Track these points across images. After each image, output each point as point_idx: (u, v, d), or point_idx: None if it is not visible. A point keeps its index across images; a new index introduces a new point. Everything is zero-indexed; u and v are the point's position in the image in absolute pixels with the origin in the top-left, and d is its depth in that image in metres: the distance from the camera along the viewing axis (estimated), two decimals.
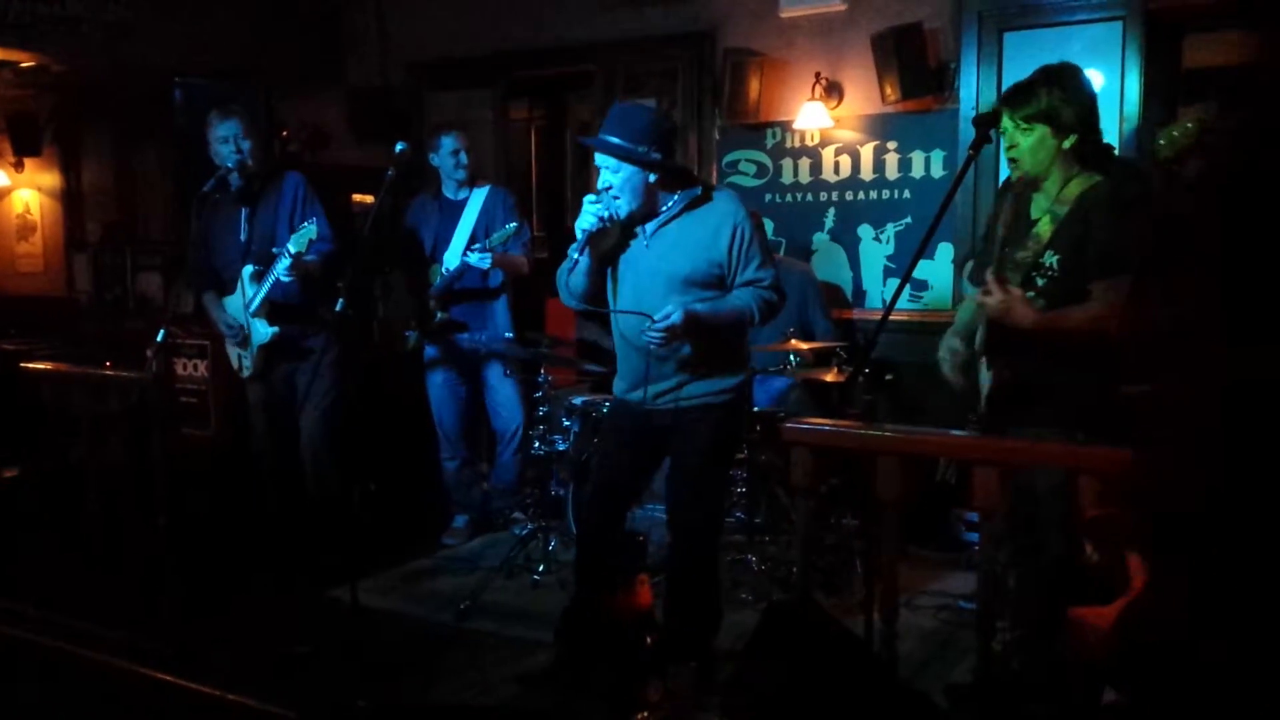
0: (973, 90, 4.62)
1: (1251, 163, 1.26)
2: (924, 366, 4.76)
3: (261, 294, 4.12)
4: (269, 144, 5.45)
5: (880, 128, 4.91)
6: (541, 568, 4.25)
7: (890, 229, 4.94)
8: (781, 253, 4.99)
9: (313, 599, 3.95)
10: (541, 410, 4.51)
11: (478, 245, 4.42)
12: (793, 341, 4.28)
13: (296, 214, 4.16)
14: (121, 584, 3.84)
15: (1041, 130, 2.75)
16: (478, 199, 4.66)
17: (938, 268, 4.84)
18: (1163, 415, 1.39)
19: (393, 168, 3.44)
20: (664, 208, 3.08)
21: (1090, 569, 2.37)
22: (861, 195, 5.00)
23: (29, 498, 4.86)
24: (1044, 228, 2.77)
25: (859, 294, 5.04)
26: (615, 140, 2.99)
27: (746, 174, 5.24)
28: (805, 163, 5.11)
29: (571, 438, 4.42)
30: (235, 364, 4.39)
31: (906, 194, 4.89)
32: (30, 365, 4.28)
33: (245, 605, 3.94)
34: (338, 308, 3.46)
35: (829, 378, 4.19)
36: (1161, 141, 3.16)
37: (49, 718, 3.15)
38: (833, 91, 4.92)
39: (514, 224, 4.44)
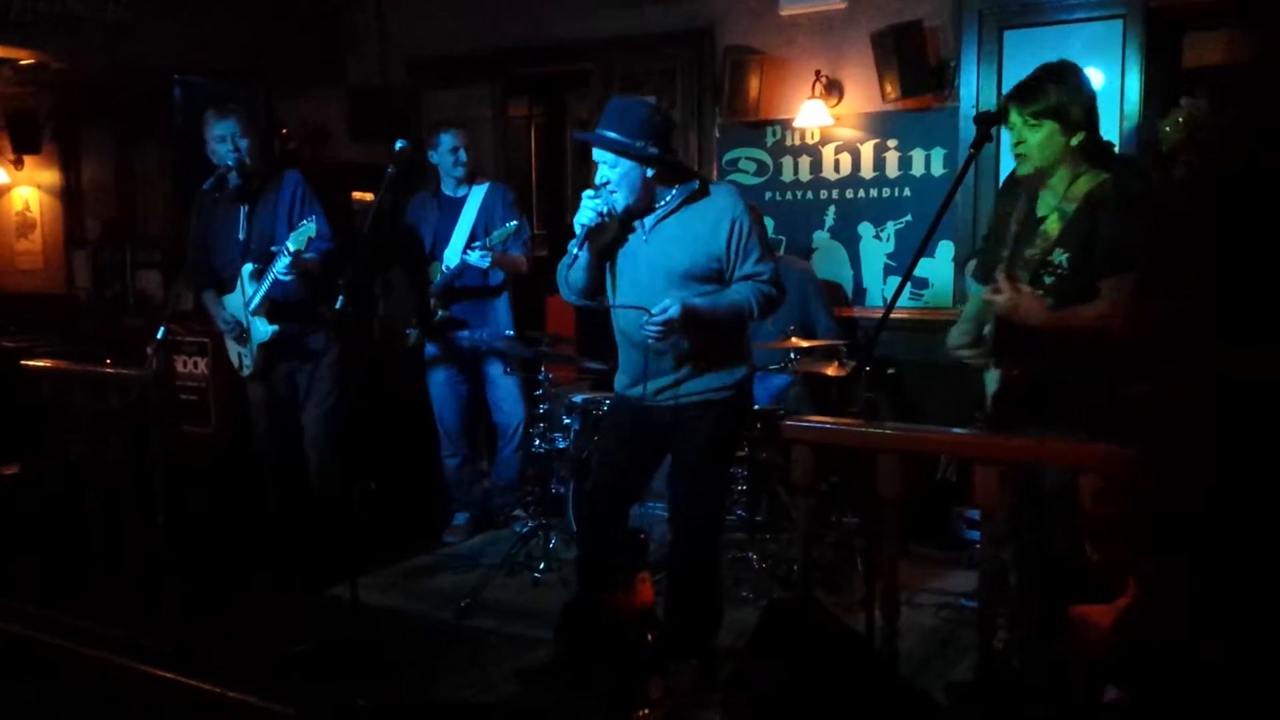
0: (973, 88, 4.62)
1: (1245, 161, 1.25)
2: (925, 364, 4.78)
3: (261, 292, 4.11)
4: (268, 142, 5.45)
5: (880, 126, 4.91)
6: (542, 565, 4.25)
7: (891, 227, 4.94)
8: (782, 251, 4.99)
9: (313, 597, 3.95)
10: (542, 408, 4.51)
11: (478, 243, 4.42)
12: (793, 339, 4.28)
13: (295, 212, 4.15)
14: (121, 581, 3.84)
15: (1050, 126, 2.73)
16: (477, 196, 4.66)
17: (938, 266, 4.84)
18: (1159, 414, 1.39)
19: (392, 165, 3.44)
20: (662, 202, 3.08)
21: (1091, 568, 2.38)
22: (862, 193, 5.00)
23: (29, 495, 4.86)
24: (1051, 225, 2.76)
25: (859, 292, 5.04)
26: (612, 135, 2.99)
27: (747, 172, 5.24)
28: (805, 161, 5.10)
29: (572, 435, 4.42)
30: (236, 362, 4.38)
31: (907, 192, 4.89)
32: (30, 363, 4.27)
33: (245, 603, 3.95)
34: (338, 306, 3.46)
35: (830, 371, 4.19)
36: (1160, 135, 3.16)
37: (49, 715, 3.15)
38: (833, 89, 4.92)
39: (514, 222, 4.44)
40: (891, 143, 4.90)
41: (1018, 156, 2.82)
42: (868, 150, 4.95)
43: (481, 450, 5.16)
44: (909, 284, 4.73)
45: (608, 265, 3.21)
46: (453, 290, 4.62)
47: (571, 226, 3.11)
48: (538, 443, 4.51)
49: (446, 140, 4.60)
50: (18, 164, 7.31)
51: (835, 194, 5.06)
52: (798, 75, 5.00)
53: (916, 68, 4.63)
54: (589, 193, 3.03)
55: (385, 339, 5.31)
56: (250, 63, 5.71)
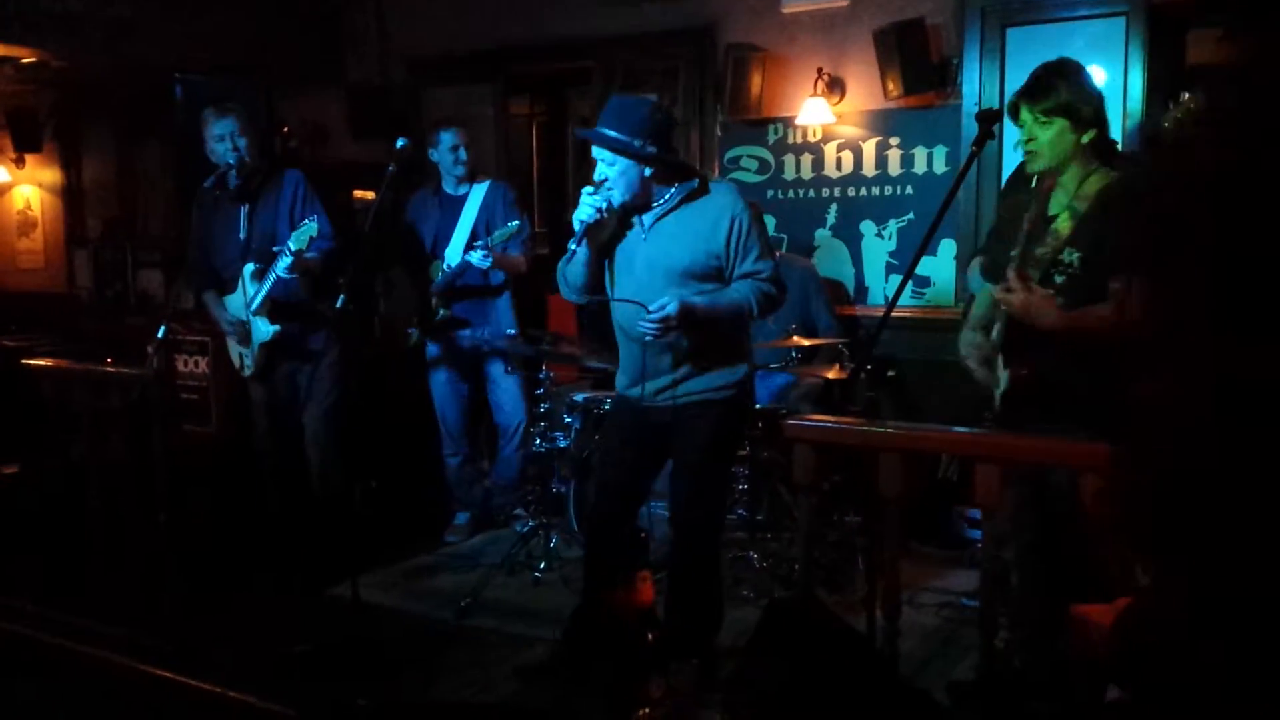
0: (975, 86, 4.60)
1: (1241, 160, 1.25)
2: (926, 363, 4.77)
3: (263, 292, 4.11)
4: (269, 141, 5.44)
5: (883, 123, 4.90)
6: (543, 565, 4.25)
7: (893, 225, 4.93)
8: (784, 249, 4.98)
9: (314, 596, 3.94)
10: (543, 407, 4.50)
11: (479, 243, 4.41)
12: (794, 338, 4.27)
13: (296, 211, 4.15)
14: (122, 581, 3.84)
15: (1060, 124, 2.71)
16: (478, 194, 4.65)
17: (940, 264, 4.83)
18: (1158, 414, 1.38)
19: (393, 163, 3.43)
20: (662, 199, 3.07)
21: (1093, 567, 2.37)
22: (864, 191, 4.99)
23: (29, 494, 4.85)
24: (1063, 224, 2.73)
25: (861, 290, 5.03)
26: (610, 133, 2.98)
27: (748, 170, 5.23)
28: (807, 159, 5.09)
29: (573, 434, 4.42)
30: (237, 362, 4.38)
31: (909, 190, 4.88)
32: (31, 361, 4.27)
33: (246, 602, 3.94)
34: (339, 304, 3.45)
35: (831, 374, 4.18)
36: (1162, 130, 3.15)
37: (48, 715, 3.15)
38: (835, 87, 4.91)
39: (515, 222, 4.43)
40: (894, 140, 4.89)
41: (1028, 154, 2.80)
42: (870, 148, 4.94)
43: (483, 449, 5.15)
44: (911, 282, 4.71)
45: (606, 263, 3.20)
46: (454, 289, 4.61)
47: (572, 224, 3.11)
48: (539, 442, 4.51)
49: (446, 138, 4.59)
50: (19, 162, 7.32)
51: (837, 192, 5.05)
52: (799, 73, 4.99)
53: (919, 65, 4.62)
54: (588, 189, 3.03)
55: (386, 338, 5.31)
56: (251, 61, 5.71)
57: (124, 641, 3.35)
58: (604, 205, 3.01)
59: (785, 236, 5.12)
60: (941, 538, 4.43)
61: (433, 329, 4.66)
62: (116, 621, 3.45)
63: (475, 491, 4.91)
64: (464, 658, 3.56)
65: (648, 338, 3.03)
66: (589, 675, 3.20)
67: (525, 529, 4.41)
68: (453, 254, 4.58)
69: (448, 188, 4.69)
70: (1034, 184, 3.50)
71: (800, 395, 4.52)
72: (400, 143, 3.47)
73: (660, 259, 3.07)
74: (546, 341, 4.49)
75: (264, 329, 4.15)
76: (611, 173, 3.00)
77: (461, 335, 4.68)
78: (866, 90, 4.88)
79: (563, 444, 4.43)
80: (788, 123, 5.08)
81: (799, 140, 5.10)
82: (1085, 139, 2.72)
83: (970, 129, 4.43)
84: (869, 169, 4.96)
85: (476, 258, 4.38)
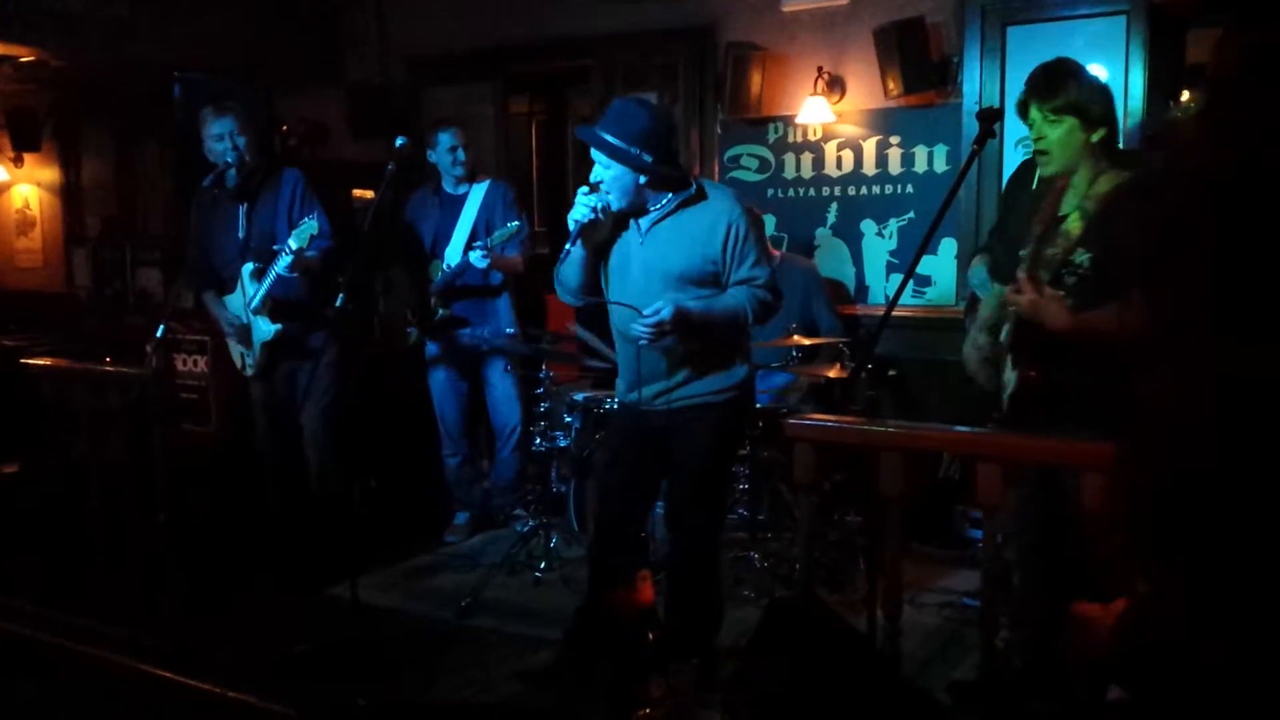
0: (976, 85, 4.60)
1: (1239, 160, 1.24)
2: (927, 362, 4.77)
3: (263, 291, 4.10)
4: (268, 140, 5.43)
5: (883, 122, 4.89)
6: (543, 564, 4.24)
7: (893, 224, 4.93)
8: (784, 248, 4.97)
9: (313, 596, 3.94)
10: (543, 406, 4.49)
11: (479, 243, 4.41)
12: (795, 337, 4.26)
13: (296, 210, 4.14)
14: (122, 580, 3.83)
15: (1070, 123, 2.69)
16: (478, 194, 4.65)
17: (941, 263, 4.82)
18: (1159, 414, 1.38)
19: (393, 162, 3.43)
20: (659, 204, 3.06)
21: (1094, 566, 2.36)
22: (864, 190, 4.98)
23: (29, 493, 4.85)
24: (1073, 224, 2.70)
25: (861, 290, 5.03)
26: (609, 138, 2.98)
27: (749, 169, 5.23)
28: (808, 158, 5.09)
29: (573, 434, 4.41)
30: (238, 363, 4.37)
31: (909, 189, 4.87)
32: (30, 361, 4.26)
33: (246, 602, 3.94)
34: (338, 304, 3.45)
35: (831, 374, 4.17)
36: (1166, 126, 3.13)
37: (48, 715, 3.14)
38: (835, 86, 4.90)
39: (515, 223, 4.42)
40: (894, 139, 4.88)
41: (1037, 154, 2.78)
42: (870, 147, 4.93)
43: (482, 449, 5.15)
44: (911, 281, 4.71)
45: (602, 266, 3.20)
46: (453, 289, 4.61)
47: (568, 224, 3.11)
48: (539, 441, 4.50)
49: (445, 139, 4.58)
50: (17, 161, 7.31)
51: (837, 191, 5.04)
52: (800, 71, 4.98)
53: (919, 64, 4.61)
54: (584, 189, 3.03)
55: (386, 337, 5.30)
56: (250, 61, 5.70)
57: (124, 641, 3.34)
58: (599, 206, 3.01)
59: (785, 236, 5.12)
60: (943, 537, 4.42)
61: (432, 328, 4.65)
62: (116, 621, 3.45)
63: (475, 491, 4.90)
64: (464, 658, 3.56)
65: (642, 342, 3.03)
66: (591, 676, 3.19)
67: (525, 529, 4.41)
68: (452, 254, 4.57)
69: (448, 187, 4.68)
70: (1036, 184, 3.49)
71: (801, 394, 4.52)
72: (400, 142, 3.47)
73: (656, 263, 3.06)
74: (546, 341, 4.49)
75: (265, 328, 4.14)
76: (607, 176, 3.00)
77: (461, 335, 4.67)
78: (867, 89, 4.87)
79: (563, 443, 4.42)
80: (788, 121, 5.08)
81: (799, 139, 5.09)
82: (1095, 138, 2.70)
83: (971, 128, 4.44)
84: (869, 168, 4.95)
85: (476, 257, 4.37)
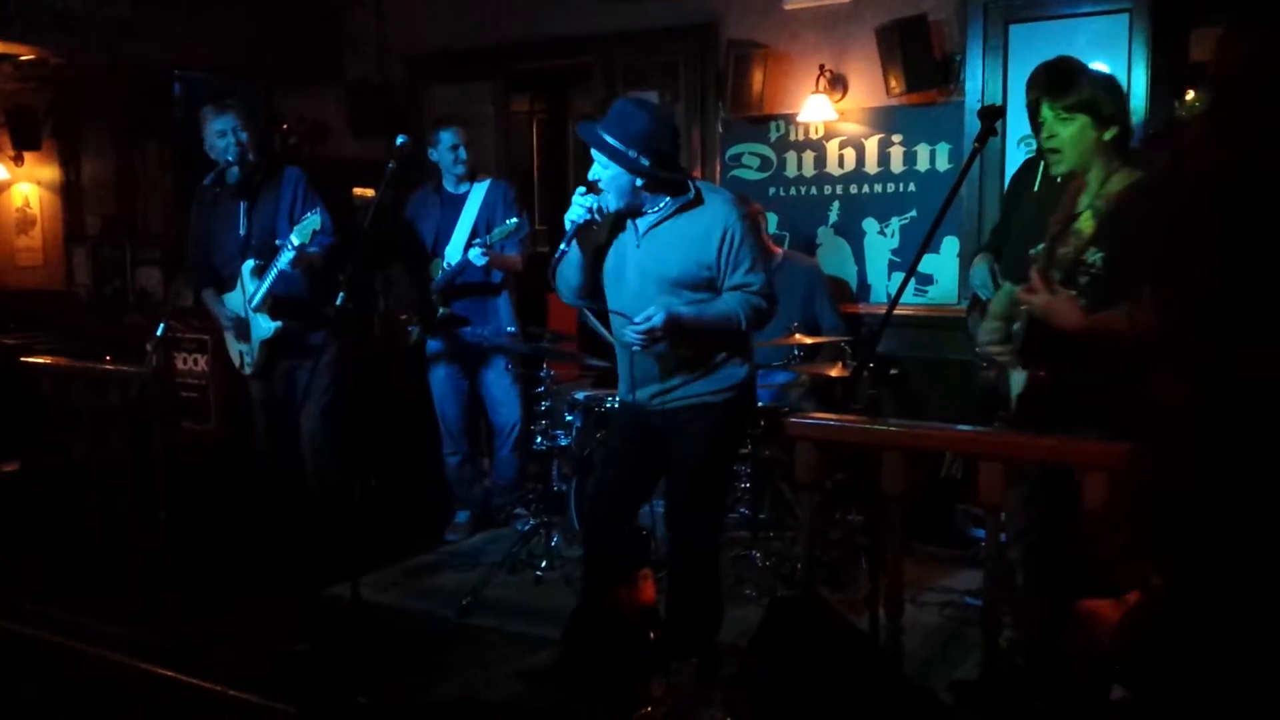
0: (978, 83, 4.59)
1: (1240, 160, 1.24)
2: (929, 361, 4.76)
3: (264, 289, 4.09)
4: (268, 139, 5.43)
5: (885, 121, 4.89)
6: (544, 563, 4.24)
7: (895, 223, 4.92)
8: (786, 246, 4.97)
9: (314, 595, 3.93)
10: (544, 405, 4.49)
11: (478, 241, 4.40)
12: (797, 336, 4.26)
13: (297, 208, 4.13)
14: (122, 579, 3.83)
15: (1082, 120, 2.67)
16: (478, 193, 4.64)
17: (943, 262, 4.81)
18: (1161, 414, 1.38)
19: (393, 161, 3.42)
20: (656, 207, 3.06)
21: (1096, 566, 2.35)
22: (866, 189, 4.97)
23: (29, 492, 4.85)
24: (1085, 223, 2.67)
25: (863, 288, 5.02)
26: (608, 138, 2.97)
27: (750, 167, 5.22)
28: (809, 156, 5.08)
29: (574, 432, 4.40)
30: (237, 360, 4.36)
31: (911, 187, 4.87)
32: (30, 359, 4.26)
33: (246, 601, 3.93)
34: (338, 302, 3.44)
35: (833, 372, 4.17)
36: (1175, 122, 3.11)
37: (49, 713, 3.14)
38: (837, 84, 4.90)
39: (514, 220, 4.42)
40: (896, 138, 4.87)
41: (1049, 152, 2.76)
42: (872, 145, 4.93)
43: (483, 448, 5.14)
44: (913, 280, 4.70)
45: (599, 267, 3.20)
46: (454, 287, 4.60)
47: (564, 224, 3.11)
48: (539, 440, 4.49)
49: (446, 138, 4.57)
50: (17, 160, 7.30)
51: (839, 189, 5.03)
52: (802, 70, 4.97)
53: (921, 62, 4.60)
54: (581, 189, 3.02)
55: (386, 336, 5.30)
56: (251, 60, 5.70)
57: (124, 640, 3.34)
58: (595, 207, 3.01)
59: (787, 234, 5.11)
60: (944, 536, 4.41)
61: (433, 327, 4.65)
62: (117, 620, 3.45)
63: (475, 490, 4.90)
64: (465, 656, 3.55)
65: (635, 347, 3.03)
66: (592, 675, 3.19)
67: (526, 527, 4.40)
68: (453, 252, 4.57)
69: (448, 186, 4.68)
70: (1039, 183, 3.47)
71: (802, 393, 4.51)
72: (400, 140, 3.46)
73: (652, 267, 3.06)
74: (547, 339, 4.48)
75: (265, 325, 4.13)
76: (605, 175, 3.00)
77: (462, 333, 4.67)
78: (869, 87, 4.86)
79: (564, 442, 4.42)
80: (789, 120, 5.07)
81: (801, 137, 5.09)
82: (1108, 136, 2.68)
83: (973, 126, 4.43)
84: (871, 166, 4.94)
85: (475, 255, 4.37)
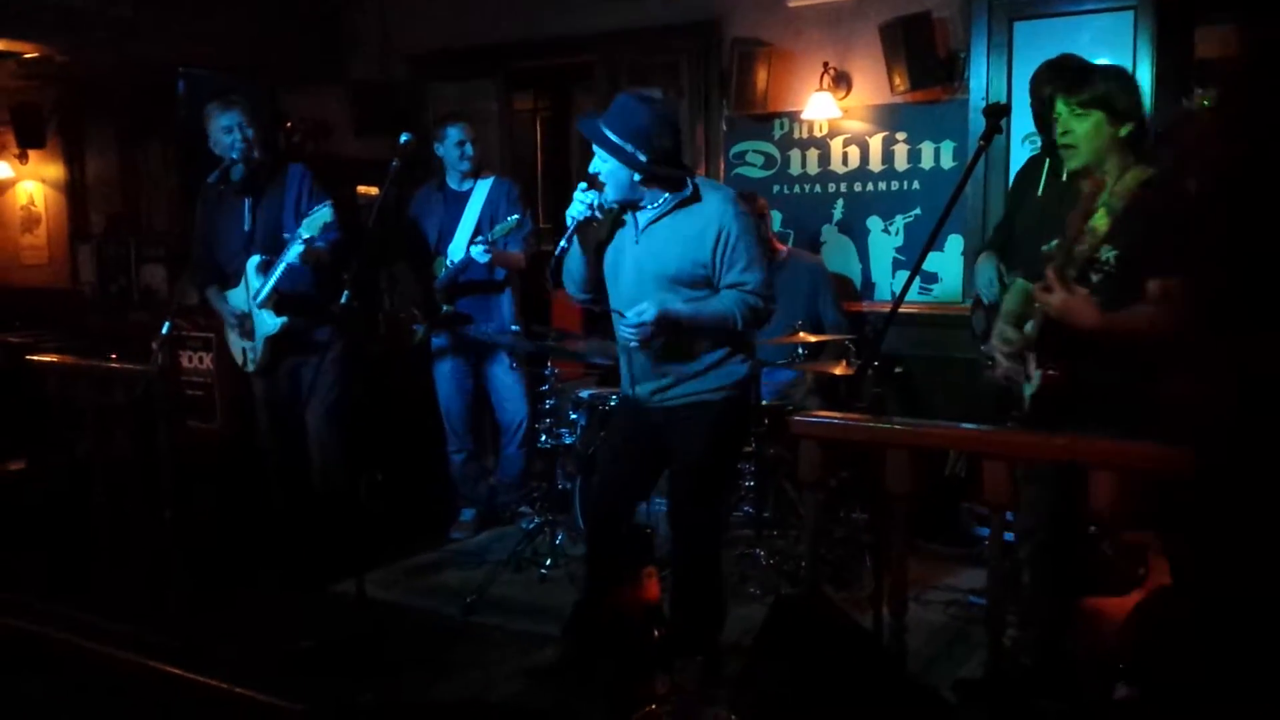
0: (982, 80, 4.58)
1: (1250, 155, 1.24)
2: (933, 359, 4.76)
3: (270, 284, 4.09)
4: (272, 137, 5.43)
5: (889, 118, 4.88)
6: (549, 562, 4.24)
7: (899, 221, 4.91)
8: (790, 244, 4.97)
9: (319, 593, 3.94)
10: (548, 403, 4.49)
11: (480, 238, 4.40)
12: (800, 334, 4.25)
13: (303, 205, 4.13)
14: (128, 577, 3.84)
15: (1097, 116, 2.65)
16: (482, 190, 4.64)
17: (947, 260, 4.81)
18: (1182, 411, 1.37)
19: (397, 159, 3.42)
20: (656, 203, 3.06)
21: (1100, 566, 2.35)
22: (870, 186, 4.97)
23: (35, 490, 4.86)
24: (1100, 221, 2.65)
25: (868, 286, 5.01)
26: (608, 132, 2.98)
27: (754, 165, 5.22)
28: (814, 154, 5.08)
29: (578, 431, 4.41)
30: (240, 359, 4.35)
31: (916, 185, 4.86)
32: (36, 358, 4.26)
33: (251, 599, 3.94)
34: (343, 300, 3.44)
35: (837, 371, 4.17)
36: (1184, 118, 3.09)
37: (54, 711, 3.15)
38: (841, 82, 4.89)
39: (515, 216, 4.42)
40: (900, 135, 4.87)
41: (1063, 147, 2.74)
42: (876, 143, 4.92)
43: (488, 446, 5.15)
44: (918, 278, 4.69)
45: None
46: (457, 285, 4.60)
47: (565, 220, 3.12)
48: (544, 438, 4.49)
49: (453, 133, 4.58)
50: (22, 158, 7.32)
51: (843, 187, 5.03)
52: (805, 67, 4.97)
53: (925, 60, 4.59)
54: (582, 185, 3.04)
55: (391, 334, 5.30)
56: (253, 60, 5.71)
57: (130, 637, 3.34)
58: (595, 203, 3.01)
59: (791, 232, 5.11)
60: (949, 535, 4.41)
61: (437, 324, 4.65)
62: (122, 617, 3.45)
63: (480, 488, 4.90)
64: (469, 654, 3.56)
65: (632, 344, 3.04)
66: (594, 673, 3.19)
67: (531, 526, 4.41)
68: (456, 250, 4.57)
69: (452, 183, 4.68)
70: (1043, 182, 3.46)
71: (806, 391, 4.51)
72: (404, 138, 3.46)
73: (649, 263, 3.07)
74: (551, 338, 4.48)
75: (270, 322, 4.13)
76: (604, 169, 3.01)
77: (465, 331, 4.67)
78: (873, 85, 4.86)
79: (568, 440, 4.42)
80: (793, 117, 5.06)
81: (805, 135, 5.08)
82: (1123, 132, 2.66)
83: (977, 123, 4.43)
84: (875, 164, 4.94)
85: (477, 252, 4.37)
